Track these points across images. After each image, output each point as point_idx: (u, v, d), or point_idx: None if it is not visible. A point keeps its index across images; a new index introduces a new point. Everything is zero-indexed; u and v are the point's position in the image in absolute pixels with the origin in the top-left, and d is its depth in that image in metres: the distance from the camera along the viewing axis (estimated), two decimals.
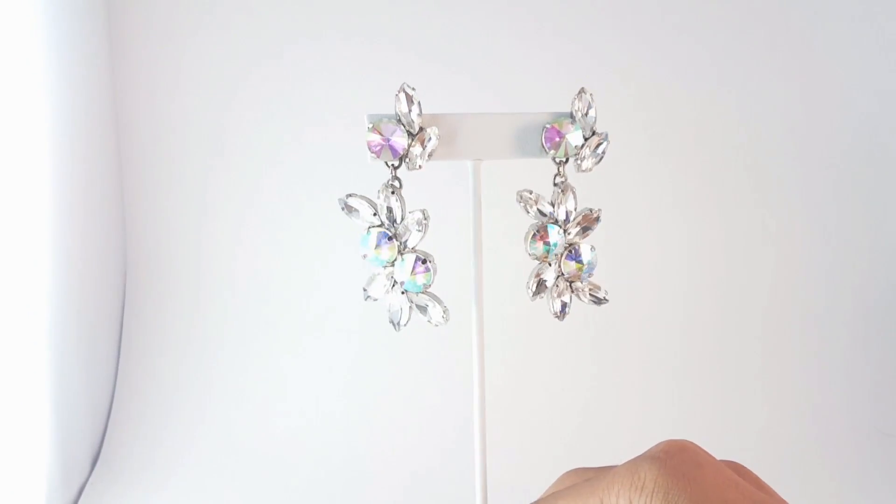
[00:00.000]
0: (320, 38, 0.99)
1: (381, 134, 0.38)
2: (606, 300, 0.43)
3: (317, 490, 0.85)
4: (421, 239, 0.40)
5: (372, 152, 0.38)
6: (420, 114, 0.39)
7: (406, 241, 0.40)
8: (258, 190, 1.01)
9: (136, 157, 1.00)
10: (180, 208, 1.01)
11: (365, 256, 0.40)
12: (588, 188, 1.10)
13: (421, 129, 0.39)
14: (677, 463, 0.26)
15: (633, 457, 0.29)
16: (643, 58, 1.07)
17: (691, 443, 0.28)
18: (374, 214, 0.39)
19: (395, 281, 0.40)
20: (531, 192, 0.41)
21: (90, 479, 0.86)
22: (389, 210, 0.39)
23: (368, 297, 0.41)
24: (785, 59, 1.08)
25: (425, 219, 0.39)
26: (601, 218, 0.43)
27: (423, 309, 0.40)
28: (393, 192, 0.39)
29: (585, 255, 0.42)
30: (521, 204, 0.41)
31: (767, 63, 1.08)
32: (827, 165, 1.09)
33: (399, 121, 0.39)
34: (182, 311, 1.00)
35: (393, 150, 0.39)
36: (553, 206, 0.42)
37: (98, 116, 0.92)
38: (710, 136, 1.08)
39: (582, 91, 0.41)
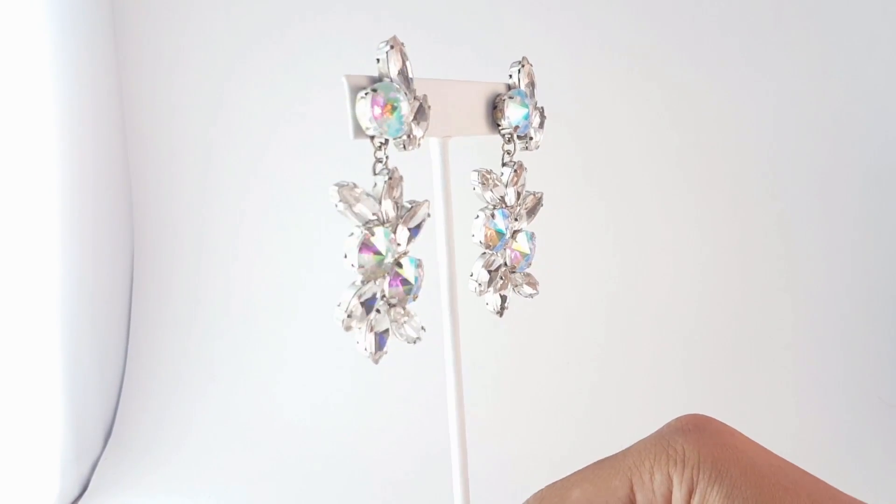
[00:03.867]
0: (323, 13, 0.99)
1: (383, 100, 0.29)
2: (538, 293, 0.41)
3: (319, 465, 0.87)
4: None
5: (375, 122, 0.28)
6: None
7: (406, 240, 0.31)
8: (261, 169, 1.01)
9: (140, 139, 1.00)
10: (184, 190, 1.01)
11: (363, 266, 0.29)
12: (598, 172, 1.03)
13: (415, 96, 0.30)
14: (713, 432, 0.25)
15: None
16: (657, 42, 1.02)
17: (706, 415, 0.28)
18: (378, 206, 0.29)
19: (381, 294, 0.31)
20: (491, 172, 0.36)
21: (103, 455, 0.90)
22: (397, 203, 0.30)
23: (352, 325, 0.30)
24: (805, 50, 1.07)
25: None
26: (543, 201, 0.40)
27: (411, 322, 0.32)
28: (397, 179, 0.30)
29: (526, 244, 0.39)
30: (482, 185, 0.36)
31: (788, 53, 1.06)
32: (843, 155, 1.10)
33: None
34: (188, 293, 1.01)
35: (397, 122, 0.29)
36: (506, 187, 0.37)
37: (103, 102, 0.94)
38: (726, 123, 1.06)
39: (525, 60, 0.38)
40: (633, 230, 1.06)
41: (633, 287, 1.06)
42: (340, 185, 0.28)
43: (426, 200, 0.32)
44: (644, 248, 1.06)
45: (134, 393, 0.97)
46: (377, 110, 0.29)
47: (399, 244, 0.31)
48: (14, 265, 0.77)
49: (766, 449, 0.26)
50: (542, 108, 0.39)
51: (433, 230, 0.35)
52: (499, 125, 0.37)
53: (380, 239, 0.30)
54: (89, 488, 0.85)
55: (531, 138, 0.38)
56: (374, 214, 0.29)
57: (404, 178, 0.31)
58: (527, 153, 0.39)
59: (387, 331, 0.31)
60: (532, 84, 0.38)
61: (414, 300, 0.32)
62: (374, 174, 0.30)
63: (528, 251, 0.39)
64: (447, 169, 0.35)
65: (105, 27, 0.95)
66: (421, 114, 0.30)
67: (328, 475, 0.86)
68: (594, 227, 1.05)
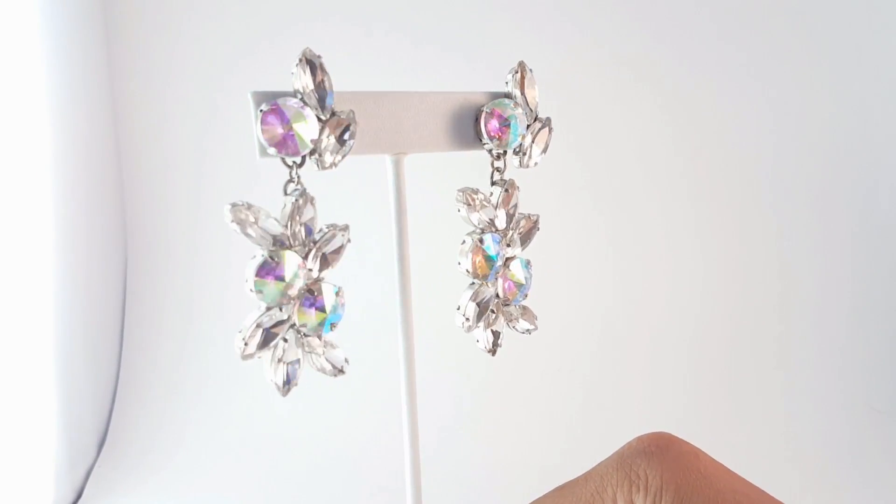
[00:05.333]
0: (315, 22, 0.99)
1: (281, 118, 0.27)
2: (536, 328, 0.36)
3: (314, 473, 0.87)
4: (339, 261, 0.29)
5: (271, 145, 0.27)
6: (332, 91, 0.28)
7: (320, 265, 0.29)
8: (253, 179, 1.00)
9: (134, 147, 1.00)
10: (178, 198, 1.01)
11: (261, 292, 0.28)
12: (594, 182, 1.02)
13: (333, 112, 0.28)
14: (675, 455, 0.24)
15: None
16: (654, 50, 1.02)
17: (668, 433, 0.26)
18: (285, 229, 0.28)
19: (293, 323, 0.29)
20: (477, 192, 0.33)
21: (97, 463, 0.90)
22: (307, 227, 0.28)
23: (251, 353, 0.29)
24: (805, 58, 1.05)
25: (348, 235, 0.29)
26: (539, 225, 0.35)
27: (328, 353, 0.30)
28: (306, 201, 0.28)
29: (521, 273, 0.35)
30: (465, 206, 0.32)
31: (787, 62, 1.05)
32: (840, 166, 1.08)
33: (303, 101, 0.28)
34: (181, 300, 1.01)
35: (298, 142, 0.28)
36: (495, 209, 0.33)
37: (96, 109, 0.94)
38: (724, 133, 1.05)
39: (522, 66, 0.33)
40: (628, 240, 1.05)
41: (628, 297, 1.05)
42: (234, 205, 0.27)
43: (346, 225, 0.29)
44: (640, 258, 1.06)
45: (128, 400, 0.97)
46: (277, 128, 0.27)
47: (311, 269, 0.29)
48: (7, 273, 0.76)
49: (731, 472, 0.25)
50: (549, 118, 0.34)
51: (390, 251, 0.32)
52: (481, 140, 0.33)
53: (288, 264, 0.28)
54: (83, 496, 0.85)
55: (524, 153, 0.33)
56: (280, 237, 0.28)
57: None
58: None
59: (298, 361, 0.29)
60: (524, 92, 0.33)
61: (332, 329, 0.30)
62: (286, 195, 0.29)
63: (523, 280, 0.35)
64: (402, 187, 0.32)
65: (98, 36, 0.95)
66: (344, 131, 0.28)
67: (322, 483, 0.85)
68: (590, 236, 1.04)
